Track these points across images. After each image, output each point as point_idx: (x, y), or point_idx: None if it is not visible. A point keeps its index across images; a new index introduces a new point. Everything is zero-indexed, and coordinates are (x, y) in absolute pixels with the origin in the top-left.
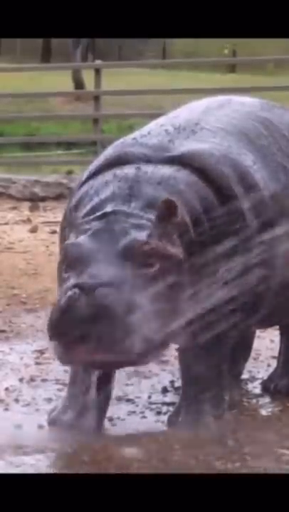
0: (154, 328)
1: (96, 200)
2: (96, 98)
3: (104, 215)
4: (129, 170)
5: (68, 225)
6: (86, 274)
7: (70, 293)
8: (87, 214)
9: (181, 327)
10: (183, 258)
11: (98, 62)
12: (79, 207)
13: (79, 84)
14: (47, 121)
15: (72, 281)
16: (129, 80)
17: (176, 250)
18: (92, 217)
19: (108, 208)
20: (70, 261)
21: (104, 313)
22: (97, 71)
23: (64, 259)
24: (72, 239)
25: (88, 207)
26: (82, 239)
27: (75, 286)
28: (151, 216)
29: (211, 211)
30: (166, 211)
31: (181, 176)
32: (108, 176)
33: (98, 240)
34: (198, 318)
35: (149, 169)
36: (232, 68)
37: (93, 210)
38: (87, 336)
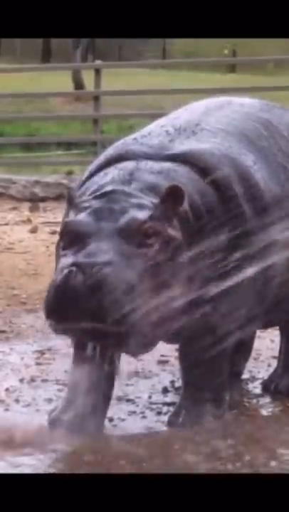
0: (151, 308)
1: (95, 186)
2: (96, 98)
3: (104, 194)
4: (129, 163)
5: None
6: (84, 252)
7: (66, 271)
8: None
9: (177, 312)
10: (183, 242)
11: (98, 62)
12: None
13: (79, 84)
14: (47, 122)
15: (69, 259)
16: (129, 80)
17: (176, 233)
18: (91, 196)
19: (108, 188)
20: (69, 238)
21: (101, 291)
22: (97, 71)
23: (62, 236)
24: (71, 217)
25: (88, 193)
26: (82, 216)
27: (72, 264)
28: (153, 199)
29: (210, 207)
30: (171, 195)
31: (182, 170)
32: (109, 169)
33: (98, 217)
34: (195, 306)
35: (149, 162)
36: (232, 68)
37: (93, 192)
38: (84, 313)
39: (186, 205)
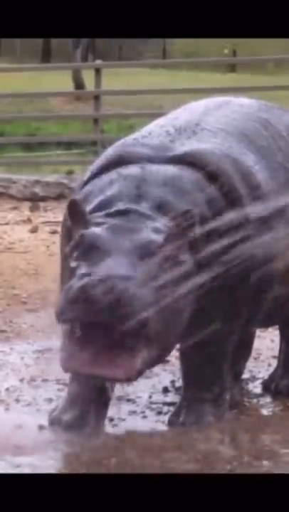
0: (162, 329)
1: (102, 197)
2: (96, 98)
3: (119, 212)
4: (133, 169)
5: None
6: (103, 264)
7: (84, 282)
8: (94, 210)
9: (186, 330)
10: (193, 264)
11: (98, 62)
12: (85, 205)
13: (79, 84)
14: (47, 121)
15: (87, 269)
16: (129, 80)
17: (186, 256)
18: (104, 212)
19: (120, 206)
20: (85, 250)
21: (118, 304)
22: (97, 71)
23: (77, 247)
24: (84, 230)
25: (94, 203)
26: (99, 230)
27: (91, 274)
28: (165, 221)
29: (216, 210)
30: (185, 220)
31: (186, 175)
32: (112, 175)
33: (115, 233)
34: (202, 321)
35: (153, 169)
36: (232, 68)
37: (100, 207)
38: (97, 322)
39: (196, 221)
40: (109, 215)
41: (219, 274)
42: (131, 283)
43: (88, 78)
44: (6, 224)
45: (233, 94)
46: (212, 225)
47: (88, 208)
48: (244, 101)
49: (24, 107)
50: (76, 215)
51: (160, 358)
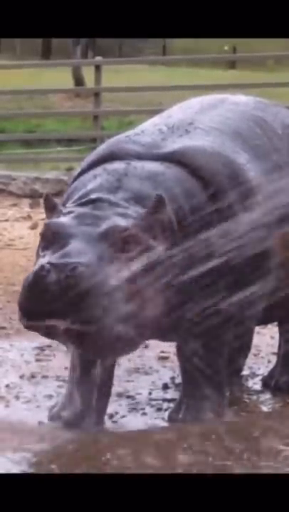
0: (123, 312)
1: (83, 190)
2: (96, 95)
3: (90, 201)
4: (118, 165)
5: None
6: (61, 252)
7: (39, 268)
8: (73, 203)
9: (155, 317)
10: (163, 251)
11: (98, 59)
12: (68, 201)
13: (79, 81)
14: (47, 118)
15: (46, 258)
16: (129, 77)
17: (158, 243)
18: (76, 203)
19: (93, 196)
20: (49, 239)
21: (73, 291)
22: (97, 68)
23: (42, 237)
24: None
25: (76, 197)
26: (64, 219)
27: (47, 263)
28: (138, 209)
29: (199, 208)
30: (156, 206)
31: (171, 172)
32: (98, 170)
33: (80, 222)
34: (177, 311)
35: (138, 165)
36: (232, 65)
37: (79, 199)
38: (55, 312)
39: (170, 211)
40: (79, 205)
41: (193, 266)
42: (86, 269)
43: (88, 75)
44: (6, 221)
45: (232, 91)
46: (189, 218)
47: (70, 201)
48: (240, 99)
49: (24, 104)
50: (50, 208)
51: (131, 341)
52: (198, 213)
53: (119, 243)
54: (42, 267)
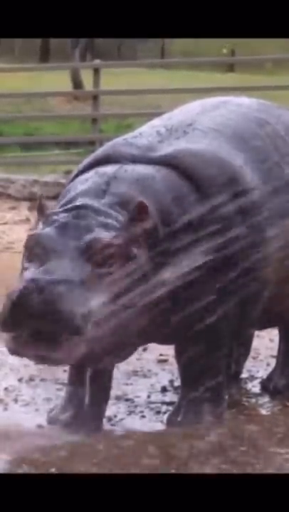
0: (106, 328)
1: (72, 194)
2: (95, 98)
3: (73, 207)
4: (110, 168)
5: None
6: (44, 268)
7: (22, 286)
8: (61, 207)
9: (140, 331)
10: (146, 260)
11: (97, 61)
12: (59, 202)
13: (78, 83)
14: (46, 121)
15: (29, 274)
16: (127, 80)
17: (141, 253)
18: (61, 209)
19: (78, 202)
20: (32, 251)
21: (53, 308)
22: (96, 71)
23: (26, 247)
24: (39, 229)
25: (65, 200)
26: (47, 230)
27: (30, 280)
28: (120, 216)
29: (188, 211)
30: (138, 214)
31: (160, 175)
32: (90, 173)
33: (62, 233)
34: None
35: (129, 168)
36: (231, 67)
37: (66, 203)
38: (36, 331)
39: (155, 215)
40: (64, 211)
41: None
42: (68, 286)
43: (87, 78)
44: (5, 224)
45: (231, 93)
46: (177, 221)
47: (60, 204)
48: (243, 101)
49: (23, 107)
50: (40, 211)
51: (117, 351)
52: (188, 216)
53: (100, 257)
54: (26, 285)
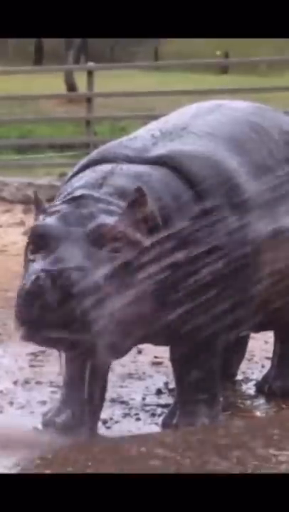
0: (120, 313)
1: (69, 190)
2: (88, 100)
3: (73, 198)
4: (106, 166)
5: None
6: (53, 257)
7: (35, 277)
8: (59, 201)
9: (149, 315)
10: (149, 246)
11: (90, 64)
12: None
13: (71, 86)
14: (40, 124)
15: (38, 264)
16: (121, 82)
17: (142, 237)
18: (61, 201)
19: (77, 193)
20: (37, 242)
21: (70, 298)
22: (90, 73)
23: (30, 239)
24: (39, 221)
25: (62, 195)
26: (50, 220)
27: (41, 270)
28: (121, 203)
29: (184, 209)
30: (137, 199)
31: (157, 174)
32: (86, 172)
33: (66, 222)
34: (169, 309)
35: (125, 166)
36: (224, 70)
37: (64, 197)
38: (54, 320)
39: (154, 209)
40: (63, 202)
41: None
42: (81, 273)
43: (80, 80)
44: None
45: (225, 95)
46: (174, 218)
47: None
48: (238, 104)
49: (16, 110)
50: (37, 207)
51: (124, 344)
52: (184, 215)
53: (107, 241)
54: (38, 276)
